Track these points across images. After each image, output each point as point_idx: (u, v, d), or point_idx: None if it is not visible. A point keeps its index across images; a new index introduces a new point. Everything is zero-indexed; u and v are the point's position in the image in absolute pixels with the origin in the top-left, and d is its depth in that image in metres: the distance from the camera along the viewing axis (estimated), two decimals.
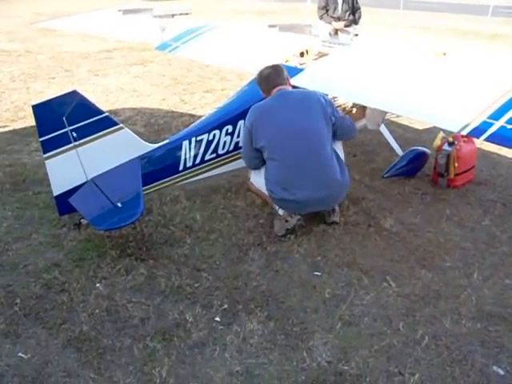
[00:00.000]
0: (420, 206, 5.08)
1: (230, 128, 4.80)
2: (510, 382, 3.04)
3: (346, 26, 8.97)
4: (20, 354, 3.17)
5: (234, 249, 4.30)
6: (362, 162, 6.10)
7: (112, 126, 4.20)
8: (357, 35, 7.78)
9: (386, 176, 5.64)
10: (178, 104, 8.74)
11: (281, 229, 4.45)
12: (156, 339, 3.29)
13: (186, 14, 7.05)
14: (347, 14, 9.07)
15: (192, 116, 7.73)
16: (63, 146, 4.04)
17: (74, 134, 4.02)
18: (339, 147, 4.78)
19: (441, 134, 5.51)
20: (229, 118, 4.81)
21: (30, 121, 6.53)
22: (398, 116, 7.16)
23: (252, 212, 4.88)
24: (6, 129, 7.31)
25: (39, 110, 3.93)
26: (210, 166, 4.84)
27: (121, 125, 4.28)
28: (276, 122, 4.40)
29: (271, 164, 4.43)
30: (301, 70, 5.01)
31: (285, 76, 4.58)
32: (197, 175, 4.79)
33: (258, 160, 4.59)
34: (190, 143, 4.63)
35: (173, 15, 6.79)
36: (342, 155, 4.71)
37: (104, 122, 4.16)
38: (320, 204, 4.49)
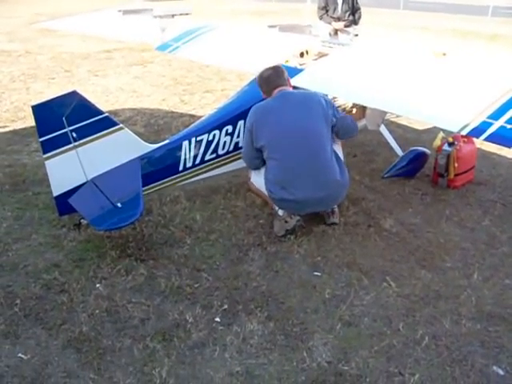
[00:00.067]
0: (420, 206, 5.08)
1: (229, 128, 4.80)
2: (509, 382, 3.04)
3: (345, 26, 8.96)
4: (20, 355, 3.17)
5: (233, 249, 4.30)
6: (362, 163, 6.10)
7: (112, 127, 4.20)
8: (357, 35, 7.78)
9: (385, 176, 5.64)
10: (177, 104, 8.74)
11: (280, 229, 4.45)
12: (156, 340, 3.29)
13: (186, 14, 7.06)
14: (347, 14, 9.07)
15: (192, 116, 7.73)
16: (63, 146, 4.04)
17: (74, 135, 4.02)
18: (338, 148, 4.79)
19: (441, 135, 5.51)
20: (229, 118, 4.81)
21: (30, 121, 6.53)
22: (397, 116, 7.17)
23: (252, 212, 4.88)
24: (6, 129, 7.30)
25: (39, 110, 3.93)
26: (210, 167, 4.84)
27: (121, 125, 4.28)
28: (276, 121, 4.40)
29: (271, 164, 4.43)
30: (301, 70, 5.01)
31: (285, 77, 4.58)
32: (197, 175, 4.79)
33: (259, 160, 4.59)
34: (189, 143, 4.63)
35: (173, 15, 6.79)
36: (341, 155, 4.72)
37: (104, 123, 4.16)
38: (319, 204, 4.50)
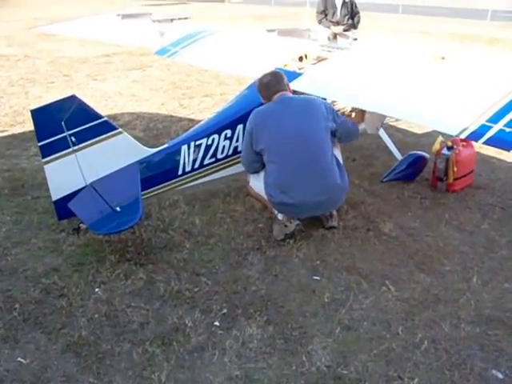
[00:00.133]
0: (419, 210, 5.08)
1: (228, 132, 4.80)
2: None
3: (344, 30, 9.00)
4: (19, 359, 3.16)
5: (233, 253, 4.30)
6: (361, 167, 6.10)
7: (111, 131, 4.20)
8: (356, 39, 7.80)
9: (385, 180, 5.64)
10: (176, 108, 8.75)
11: (280, 233, 4.45)
12: (155, 344, 3.29)
13: (185, 18, 7.07)
14: (346, 18, 9.09)
15: (191, 120, 7.74)
16: (62, 150, 4.04)
17: (73, 139, 4.02)
18: (337, 152, 4.79)
19: (440, 138, 5.52)
20: (228, 122, 4.82)
21: (29, 125, 6.54)
22: (396, 120, 7.16)
23: (251, 216, 4.88)
24: (5, 133, 7.31)
25: (38, 114, 3.93)
26: (209, 171, 4.84)
27: (120, 129, 4.28)
28: (277, 125, 4.41)
29: (271, 167, 4.43)
30: (300, 74, 5.02)
31: (285, 82, 4.59)
32: (196, 180, 4.79)
33: (258, 164, 4.60)
34: (189, 148, 4.63)
35: (172, 20, 6.80)
36: (340, 159, 4.72)
37: (103, 127, 4.16)
38: (319, 208, 4.50)
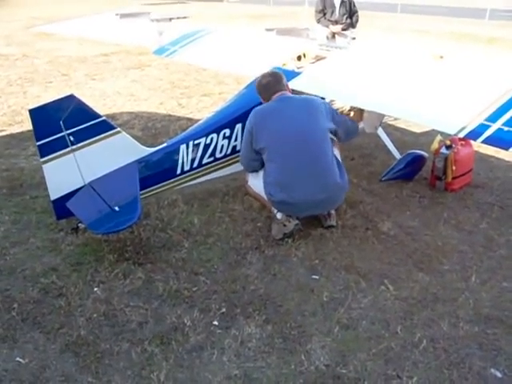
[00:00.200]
0: (418, 209, 5.08)
1: (227, 132, 4.80)
2: None
3: (343, 29, 9.00)
4: (18, 359, 3.16)
5: (231, 252, 4.30)
6: (360, 166, 6.11)
7: (109, 130, 4.20)
8: (354, 39, 7.81)
9: (383, 179, 5.64)
10: (175, 108, 8.74)
11: (278, 232, 4.45)
12: (154, 343, 3.29)
13: (184, 17, 7.07)
14: (344, 17, 9.09)
15: (189, 120, 7.73)
16: (60, 150, 4.03)
17: (72, 138, 4.02)
18: (337, 150, 4.79)
19: (438, 137, 5.51)
20: (226, 121, 4.81)
21: (27, 125, 6.52)
22: (395, 119, 7.17)
23: (250, 216, 4.88)
24: (3, 133, 7.30)
25: (36, 114, 3.93)
26: (208, 170, 4.84)
27: (118, 129, 4.28)
28: (277, 124, 4.41)
29: (271, 166, 4.43)
30: (298, 73, 5.02)
31: (284, 82, 4.59)
32: (194, 179, 4.79)
33: (257, 162, 4.60)
34: (187, 147, 4.63)
35: (170, 19, 6.80)
36: (339, 158, 4.72)
37: (101, 126, 4.16)
38: (318, 207, 4.50)
